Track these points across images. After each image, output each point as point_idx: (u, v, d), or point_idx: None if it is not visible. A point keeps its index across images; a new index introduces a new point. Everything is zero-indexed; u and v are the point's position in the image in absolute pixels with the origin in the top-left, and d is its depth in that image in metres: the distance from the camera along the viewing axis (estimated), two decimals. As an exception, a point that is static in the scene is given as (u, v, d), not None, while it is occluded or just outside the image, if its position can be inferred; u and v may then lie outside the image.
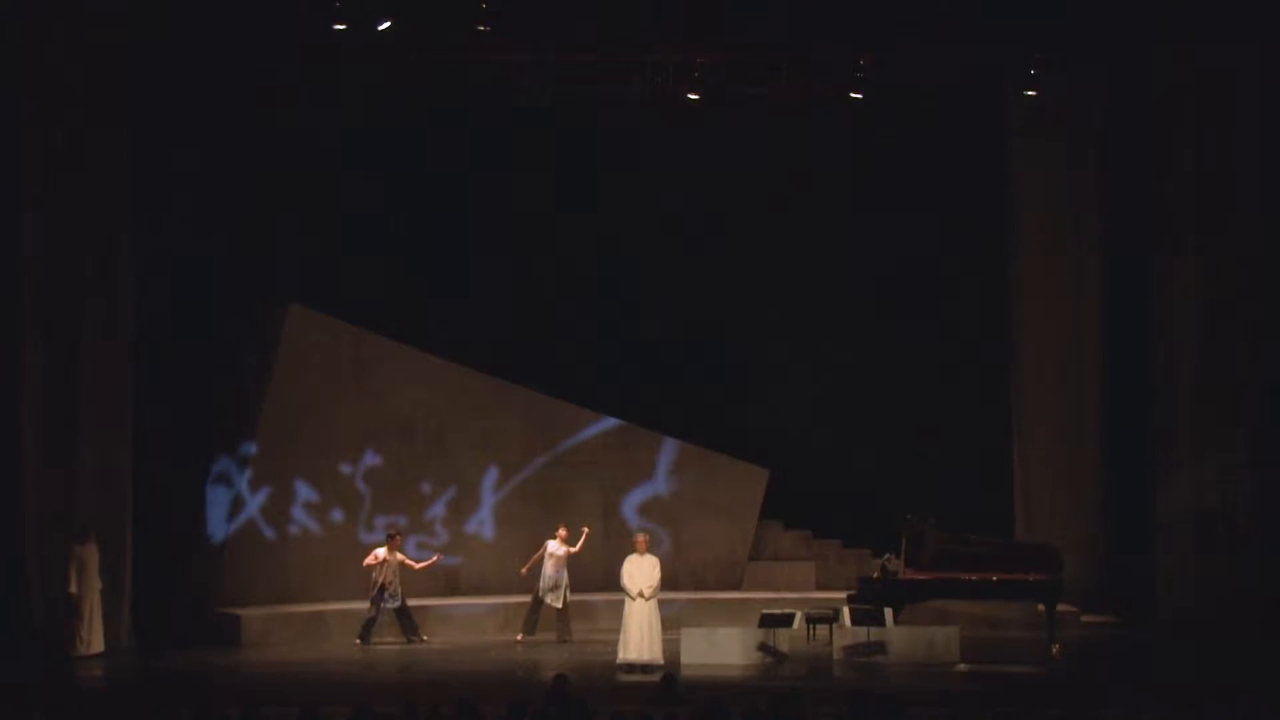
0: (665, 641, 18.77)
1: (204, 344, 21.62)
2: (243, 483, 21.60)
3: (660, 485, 23.75)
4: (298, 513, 22.03)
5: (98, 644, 19.38)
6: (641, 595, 18.46)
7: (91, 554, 19.48)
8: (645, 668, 18.26)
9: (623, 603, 18.66)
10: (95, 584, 19.45)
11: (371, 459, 22.44)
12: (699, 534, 23.72)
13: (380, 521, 21.95)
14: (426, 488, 22.86)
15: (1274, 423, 21.02)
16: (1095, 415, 22.82)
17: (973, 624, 21.12)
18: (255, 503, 21.73)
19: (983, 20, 21.05)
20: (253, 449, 21.63)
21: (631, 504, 23.61)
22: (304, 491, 22.05)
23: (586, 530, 21.12)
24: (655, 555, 18.94)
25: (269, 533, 21.85)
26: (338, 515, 22.28)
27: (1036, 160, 23.00)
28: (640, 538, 19.01)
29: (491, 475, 23.19)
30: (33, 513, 19.58)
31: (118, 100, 20.11)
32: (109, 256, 20.06)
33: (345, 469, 22.34)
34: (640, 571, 18.61)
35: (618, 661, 18.50)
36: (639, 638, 18.43)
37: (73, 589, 19.29)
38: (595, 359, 23.84)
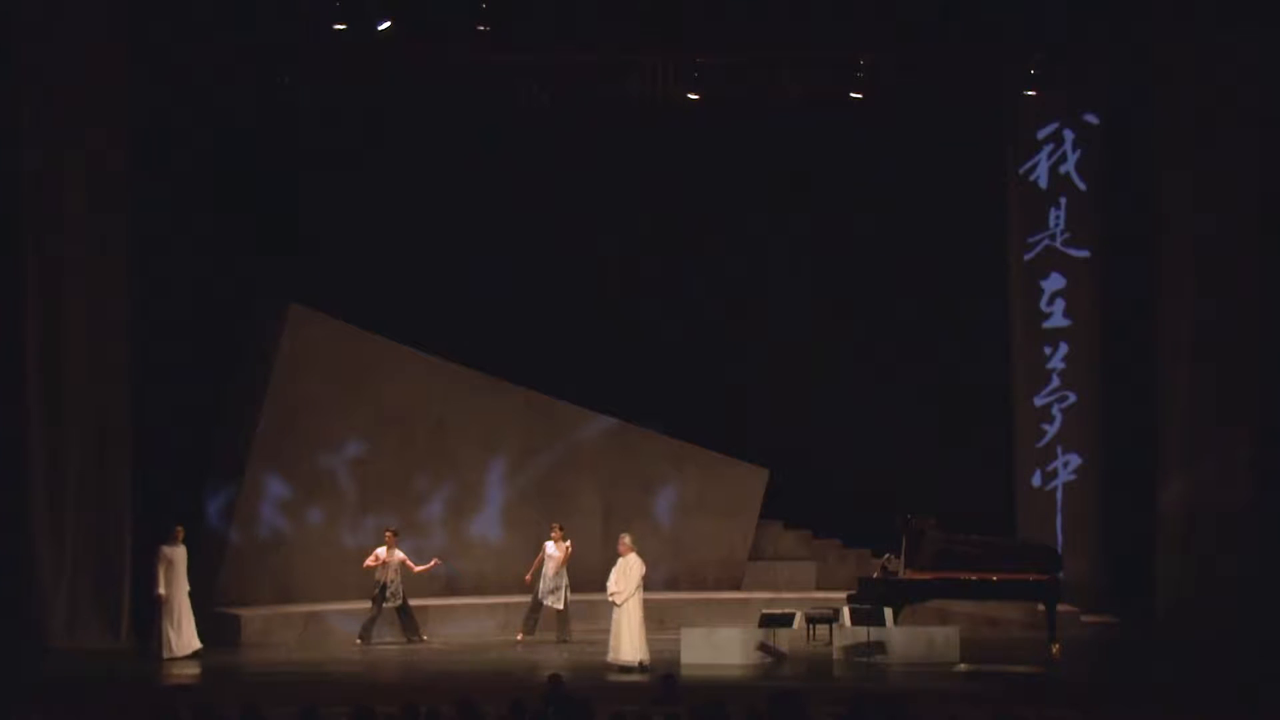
0: (665, 641, 18.86)
1: (204, 344, 21.60)
2: (237, 483, 21.63)
3: (674, 486, 23.78)
4: (299, 512, 22.04)
5: (186, 645, 19.42)
6: (612, 600, 18.60)
7: (180, 555, 19.55)
8: (623, 668, 18.41)
9: (621, 603, 18.82)
10: (184, 585, 19.51)
11: (369, 459, 22.43)
12: (699, 534, 23.73)
13: (381, 521, 21.87)
14: (426, 489, 22.86)
15: (1274, 423, 21.01)
16: (1095, 414, 22.82)
17: (973, 624, 21.14)
18: (254, 502, 21.74)
19: (983, 20, 21.05)
20: (249, 450, 21.67)
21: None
22: (305, 491, 22.04)
23: (569, 544, 21.08)
24: (638, 556, 18.93)
25: (273, 533, 21.85)
26: (339, 515, 22.27)
27: (1035, 159, 23.00)
28: (621, 540, 19.05)
29: (493, 476, 23.20)
30: (37, 513, 19.58)
31: (118, 100, 20.12)
32: (109, 256, 20.08)
33: (345, 469, 22.34)
34: (618, 574, 18.71)
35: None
36: (612, 638, 18.64)
37: (161, 590, 19.34)
38: (595, 359, 23.83)
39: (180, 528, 19.70)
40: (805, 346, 24.22)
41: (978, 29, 21.28)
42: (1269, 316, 21.00)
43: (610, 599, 18.72)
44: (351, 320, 22.38)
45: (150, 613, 19.63)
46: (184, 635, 19.47)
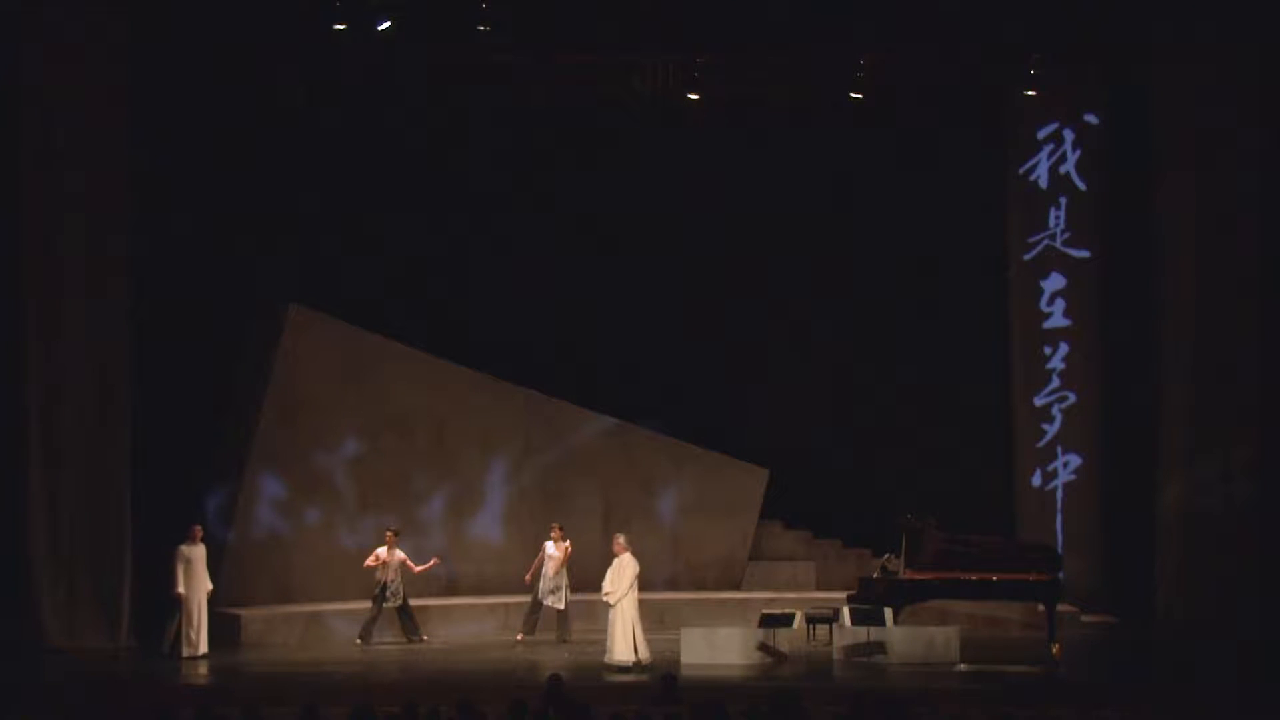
0: (665, 641, 18.91)
1: (204, 344, 21.60)
2: (237, 482, 21.62)
3: (674, 486, 23.77)
4: (299, 512, 22.03)
5: (204, 645, 19.42)
6: (606, 600, 18.65)
7: (198, 554, 19.55)
8: (619, 668, 18.43)
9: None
10: (204, 585, 19.51)
11: (369, 459, 22.43)
12: (699, 534, 23.73)
13: (381, 521, 21.87)
14: (425, 489, 22.86)
15: (1274, 423, 21.00)
16: (1095, 414, 22.82)
17: (973, 624, 21.13)
18: (254, 503, 21.74)
19: (983, 20, 21.05)
20: (249, 450, 21.66)
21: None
22: (305, 491, 22.04)
23: (569, 544, 21.05)
24: (632, 556, 18.93)
25: (272, 533, 21.85)
26: (338, 515, 22.27)
27: (1035, 159, 23.01)
28: (615, 540, 19.06)
29: (493, 476, 23.20)
30: (36, 513, 19.57)
31: (117, 100, 20.12)
32: (109, 256, 20.06)
33: (344, 469, 22.34)
34: (612, 574, 18.73)
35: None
36: (608, 638, 18.65)
37: (179, 590, 19.35)
38: (595, 359, 23.84)
39: (199, 527, 19.75)
40: (805, 346, 24.21)
41: (978, 29, 21.27)
42: (1269, 316, 20.98)
43: (604, 599, 18.73)
44: (352, 320, 22.38)
45: (157, 612, 19.66)
46: (202, 636, 19.44)
